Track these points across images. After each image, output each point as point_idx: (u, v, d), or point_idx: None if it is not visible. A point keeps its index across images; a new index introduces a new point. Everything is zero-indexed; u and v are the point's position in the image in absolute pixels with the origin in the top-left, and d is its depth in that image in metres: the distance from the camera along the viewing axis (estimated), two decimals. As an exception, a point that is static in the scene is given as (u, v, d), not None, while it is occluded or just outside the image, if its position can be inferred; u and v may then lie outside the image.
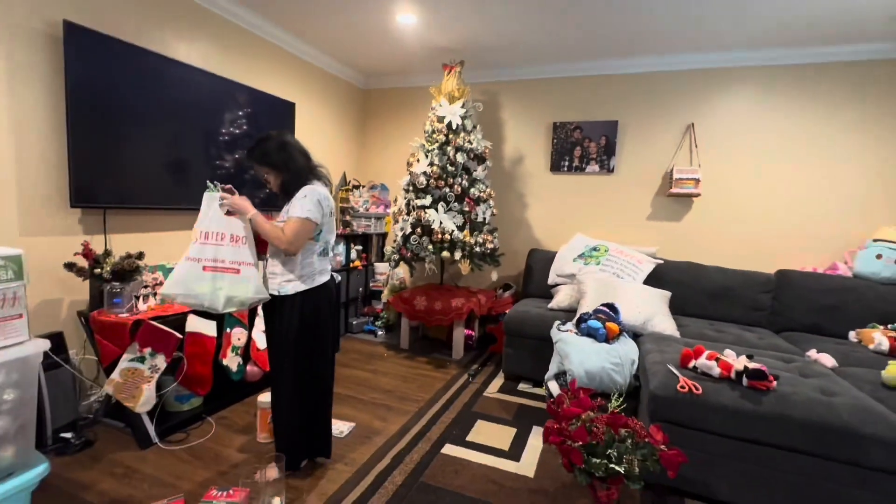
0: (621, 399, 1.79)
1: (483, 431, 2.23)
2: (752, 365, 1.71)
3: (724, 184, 3.28)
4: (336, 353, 2.07)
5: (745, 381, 1.70)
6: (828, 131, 3.04)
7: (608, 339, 2.40)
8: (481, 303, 3.36)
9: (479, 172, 3.25)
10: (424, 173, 3.14)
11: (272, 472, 1.56)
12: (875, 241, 2.82)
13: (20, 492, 1.45)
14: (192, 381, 2.15)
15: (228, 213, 1.66)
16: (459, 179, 3.14)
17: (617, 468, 1.48)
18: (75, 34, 1.97)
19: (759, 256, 3.24)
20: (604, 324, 2.42)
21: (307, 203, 1.64)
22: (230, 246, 1.60)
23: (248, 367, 2.46)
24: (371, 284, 4.02)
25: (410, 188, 3.24)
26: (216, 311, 1.60)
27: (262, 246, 1.76)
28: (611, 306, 2.60)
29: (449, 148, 3.14)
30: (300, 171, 1.72)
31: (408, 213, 3.24)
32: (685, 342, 2.23)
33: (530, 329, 2.82)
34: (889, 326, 2.54)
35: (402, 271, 4.04)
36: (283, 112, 3.21)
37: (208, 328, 2.16)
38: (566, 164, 3.69)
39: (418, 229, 3.13)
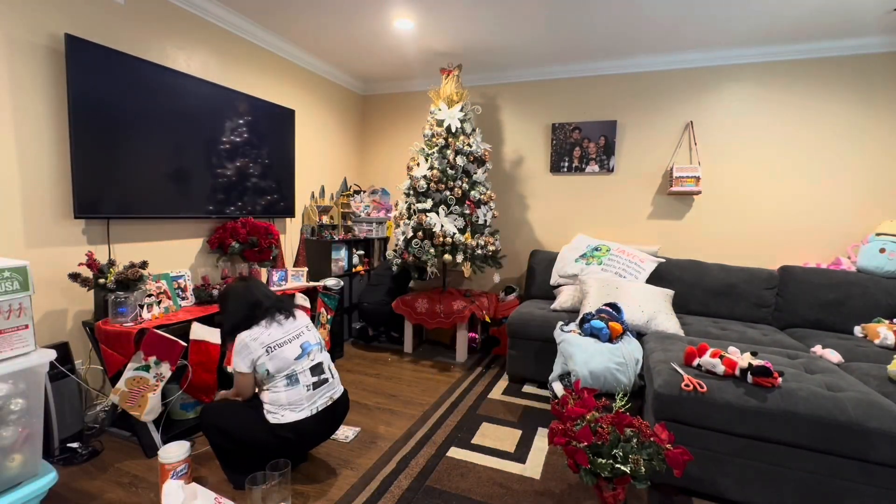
0: (626, 399, 1.78)
1: (488, 434, 2.23)
2: (756, 362, 1.71)
3: (725, 181, 3.28)
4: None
5: (749, 378, 1.69)
6: (827, 125, 3.04)
7: (611, 338, 2.40)
8: (484, 305, 3.36)
9: (480, 175, 3.26)
10: (424, 177, 3.15)
11: (276, 477, 1.56)
12: (878, 235, 2.81)
13: (28, 501, 1.46)
14: (197, 389, 2.15)
15: None
16: (460, 182, 3.15)
17: (623, 468, 1.48)
18: (77, 47, 2.00)
19: (761, 253, 3.23)
20: (607, 323, 2.42)
21: (235, 358, 1.74)
22: None
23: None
24: (374, 289, 4.02)
25: (411, 192, 3.25)
26: None
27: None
28: (613, 306, 2.60)
29: (448, 151, 3.15)
30: (239, 322, 1.79)
31: (409, 217, 3.25)
32: (689, 340, 2.22)
33: (533, 330, 2.81)
34: (894, 321, 2.53)
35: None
36: (283, 119, 3.23)
37: (212, 336, 2.17)
38: (566, 164, 3.70)
39: (420, 233, 3.14)
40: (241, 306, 1.80)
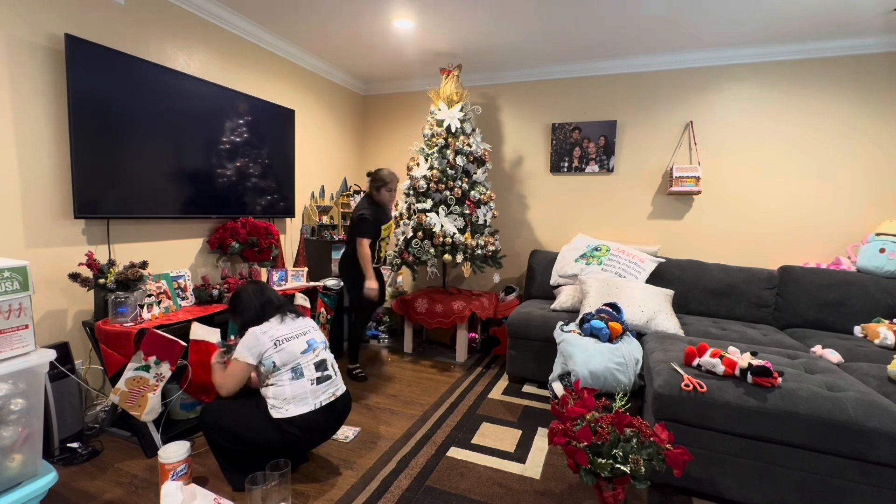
0: (626, 399, 1.78)
1: (488, 434, 2.23)
2: (756, 362, 1.71)
3: (725, 181, 3.28)
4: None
5: (749, 378, 1.69)
6: (827, 125, 3.04)
7: (611, 338, 2.40)
8: (484, 306, 3.36)
9: (479, 175, 3.26)
10: (424, 177, 3.15)
11: (276, 477, 1.56)
12: (878, 235, 2.81)
13: (28, 501, 1.46)
14: (197, 389, 2.15)
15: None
16: (459, 182, 3.15)
17: (623, 468, 1.48)
18: (77, 48, 2.00)
19: (761, 253, 3.23)
20: (607, 323, 2.42)
21: (241, 345, 1.76)
22: None
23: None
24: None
25: (411, 192, 3.25)
26: None
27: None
28: (613, 306, 2.60)
29: (448, 151, 3.15)
30: (251, 319, 1.84)
31: (409, 217, 3.25)
32: (689, 340, 2.22)
33: (533, 330, 2.81)
34: (894, 320, 2.53)
35: (402, 278, 4.05)
36: (283, 119, 3.23)
37: (212, 336, 2.17)
38: (566, 164, 3.70)
39: (420, 233, 3.14)
40: (254, 304, 1.87)
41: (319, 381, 1.80)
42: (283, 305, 1.91)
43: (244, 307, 1.88)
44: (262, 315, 1.84)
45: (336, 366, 1.94)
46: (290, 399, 1.73)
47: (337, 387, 1.88)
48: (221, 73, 2.85)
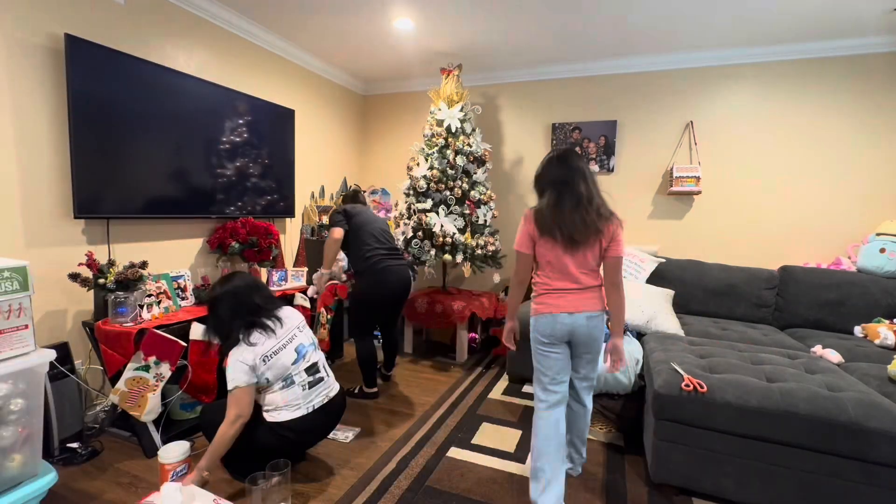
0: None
1: (488, 434, 2.23)
2: None
3: (725, 181, 3.28)
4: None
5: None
6: (827, 125, 3.03)
7: (611, 338, 2.39)
8: (484, 306, 3.36)
9: (480, 175, 3.26)
10: (424, 177, 3.15)
11: (276, 477, 1.56)
12: (878, 235, 2.81)
13: (28, 501, 1.46)
14: (196, 389, 2.15)
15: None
16: (460, 182, 3.15)
17: None
18: (77, 47, 2.00)
19: (761, 253, 3.23)
20: (607, 324, 2.41)
21: (231, 372, 1.64)
22: None
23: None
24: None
25: (411, 192, 3.25)
26: None
27: None
28: (613, 306, 2.59)
29: (448, 151, 3.15)
30: (231, 331, 1.70)
31: (409, 217, 3.25)
32: (689, 341, 2.22)
33: (533, 330, 2.81)
34: (894, 320, 2.53)
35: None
36: (283, 119, 3.23)
37: (212, 336, 2.17)
38: (566, 164, 3.69)
39: (420, 233, 3.14)
40: (239, 321, 1.71)
41: (312, 385, 1.79)
42: (260, 319, 1.75)
43: (227, 318, 1.72)
44: (247, 333, 1.71)
45: (327, 366, 1.92)
46: (281, 406, 1.73)
47: (330, 388, 1.87)
48: (221, 72, 2.85)
